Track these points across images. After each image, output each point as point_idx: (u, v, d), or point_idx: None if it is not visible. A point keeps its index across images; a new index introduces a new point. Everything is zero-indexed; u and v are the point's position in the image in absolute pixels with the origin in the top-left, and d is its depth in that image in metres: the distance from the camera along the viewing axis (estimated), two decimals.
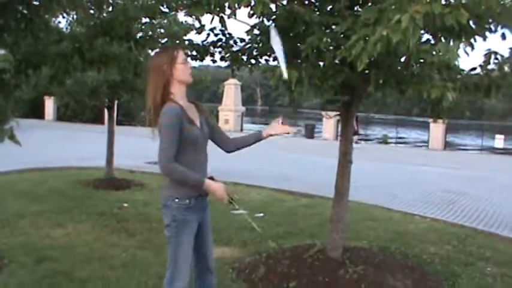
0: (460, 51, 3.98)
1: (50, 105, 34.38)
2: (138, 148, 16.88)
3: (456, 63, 4.23)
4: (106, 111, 12.20)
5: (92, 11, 6.87)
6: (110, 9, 7.07)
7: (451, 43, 4.18)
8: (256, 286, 5.22)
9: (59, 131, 25.40)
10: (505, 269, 6.12)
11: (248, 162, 15.56)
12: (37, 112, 33.31)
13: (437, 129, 26.48)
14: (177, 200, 3.46)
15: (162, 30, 8.10)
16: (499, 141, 28.74)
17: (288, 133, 3.73)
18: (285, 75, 3.79)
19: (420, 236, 7.52)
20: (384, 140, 30.64)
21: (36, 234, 6.84)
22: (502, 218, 9.57)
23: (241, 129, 33.29)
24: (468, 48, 4.23)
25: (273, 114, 35.77)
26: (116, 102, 11.63)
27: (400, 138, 33.19)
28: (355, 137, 24.06)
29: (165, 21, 9.35)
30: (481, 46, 4.82)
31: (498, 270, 6.05)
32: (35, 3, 5.49)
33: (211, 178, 3.48)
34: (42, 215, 7.84)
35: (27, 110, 31.95)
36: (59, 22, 8.93)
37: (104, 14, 6.99)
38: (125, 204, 8.82)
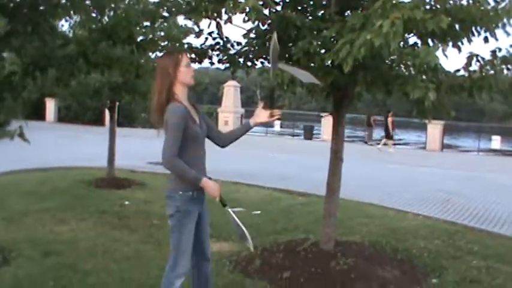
0: (440, 54, 4.25)
1: (51, 106, 34.53)
2: (139, 149, 17.17)
3: (439, 64, 4.48)
4: (107, 112, 12.43)
5: (94, 15, 7.13)
6: (112, 13, 7.34)
7: (433, 46, 4.46)
8: (251, 277, 5.50)
9: (60, 132, 25.64)
10: (491, 262, 6.37)
11: (248, 163, 15.85)
12: (38, 113, 33.47)
13: (434, 130, 26.68)
14: (181, 192, 3.75)
15: (162, 33, 8.34)
16: (495, 142, 29.03)
17: (274, 120, 4.03)
18: (271, 76, 4.10)
19: (411, 232, 7.77)
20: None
21: (41, 230, 7.10)
22: (494, 216, 9.83)
23: None
24: (448, 51, 4.51)
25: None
26: (117, 103, 11.89)
27: (398, 139, 33.38)
28: (390, 141, 24.46)
29: (165, 24, 9.60)
30: (469, 49, 5.12)
31: (484, 263, 6.31)
32: (41, 8, 5.74)
33: (209, 178, 3.83)
34: (47, 212, 8.08)
35: (28, 112, 32.06)
36: (62, 25, 9.17)
37: (106, 18, 7.26)
38: (126, 202, 9.08)
